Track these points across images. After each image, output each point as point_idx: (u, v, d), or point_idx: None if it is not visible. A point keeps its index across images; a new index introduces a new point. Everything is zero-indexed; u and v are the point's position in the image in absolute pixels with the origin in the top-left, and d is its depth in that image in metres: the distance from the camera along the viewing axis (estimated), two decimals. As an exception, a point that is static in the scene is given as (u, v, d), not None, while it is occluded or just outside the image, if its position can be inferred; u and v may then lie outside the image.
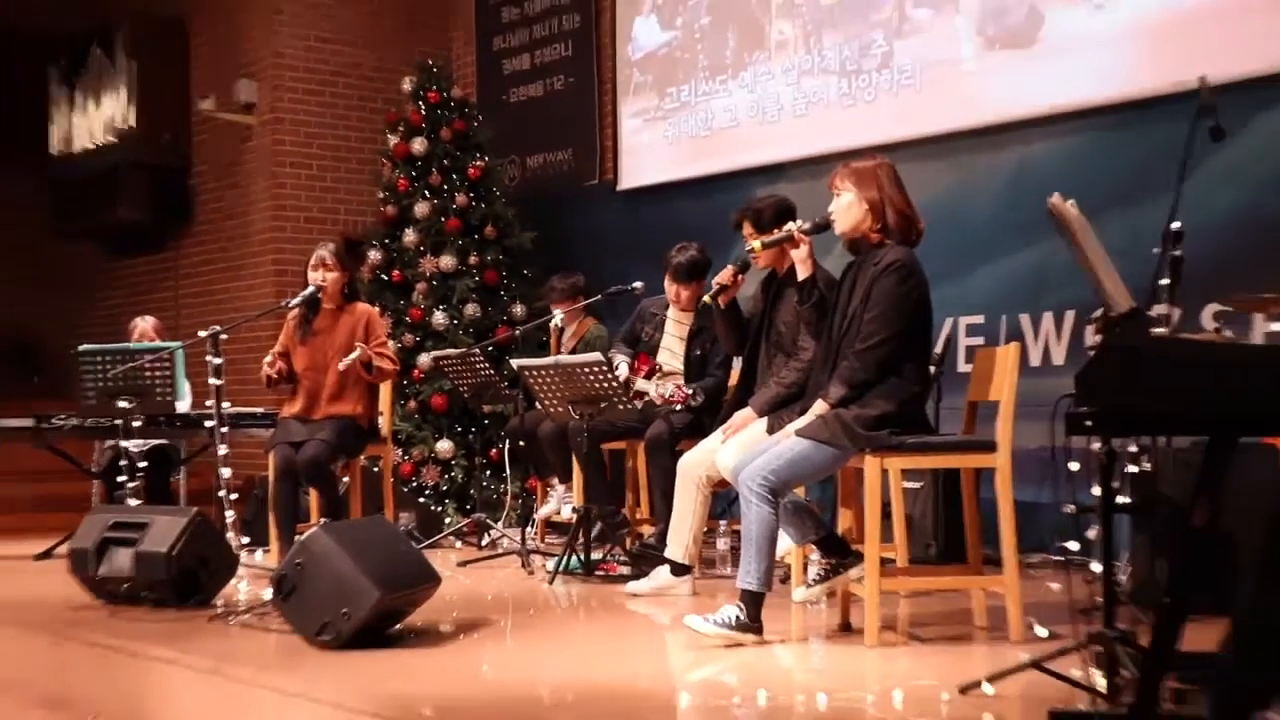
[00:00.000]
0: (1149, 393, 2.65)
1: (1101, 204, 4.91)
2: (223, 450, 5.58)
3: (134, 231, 10.28)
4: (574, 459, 6.19)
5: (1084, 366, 2.73)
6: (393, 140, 8.27)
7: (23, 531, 7.78)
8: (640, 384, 5.94)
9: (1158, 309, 3.82)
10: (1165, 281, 3.88)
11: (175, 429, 6.84)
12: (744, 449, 4.44)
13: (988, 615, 4.32)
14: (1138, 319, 3.26)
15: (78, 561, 4.99)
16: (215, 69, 9.57)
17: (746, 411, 4.92)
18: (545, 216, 8.48)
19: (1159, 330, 3.59)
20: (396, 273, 8.10)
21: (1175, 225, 3.85)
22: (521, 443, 6.71)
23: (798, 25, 7.45)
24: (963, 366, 6.34)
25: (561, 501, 6.76)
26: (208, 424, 5.89)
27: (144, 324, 7.80)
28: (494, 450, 7.66)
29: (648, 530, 6.10)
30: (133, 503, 5.71)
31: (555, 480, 6.76)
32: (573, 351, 6.72)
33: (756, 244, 4.72)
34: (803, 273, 4.49)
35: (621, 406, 5.56)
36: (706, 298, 5.12)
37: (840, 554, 4.30)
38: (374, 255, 8.13)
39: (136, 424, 6.01)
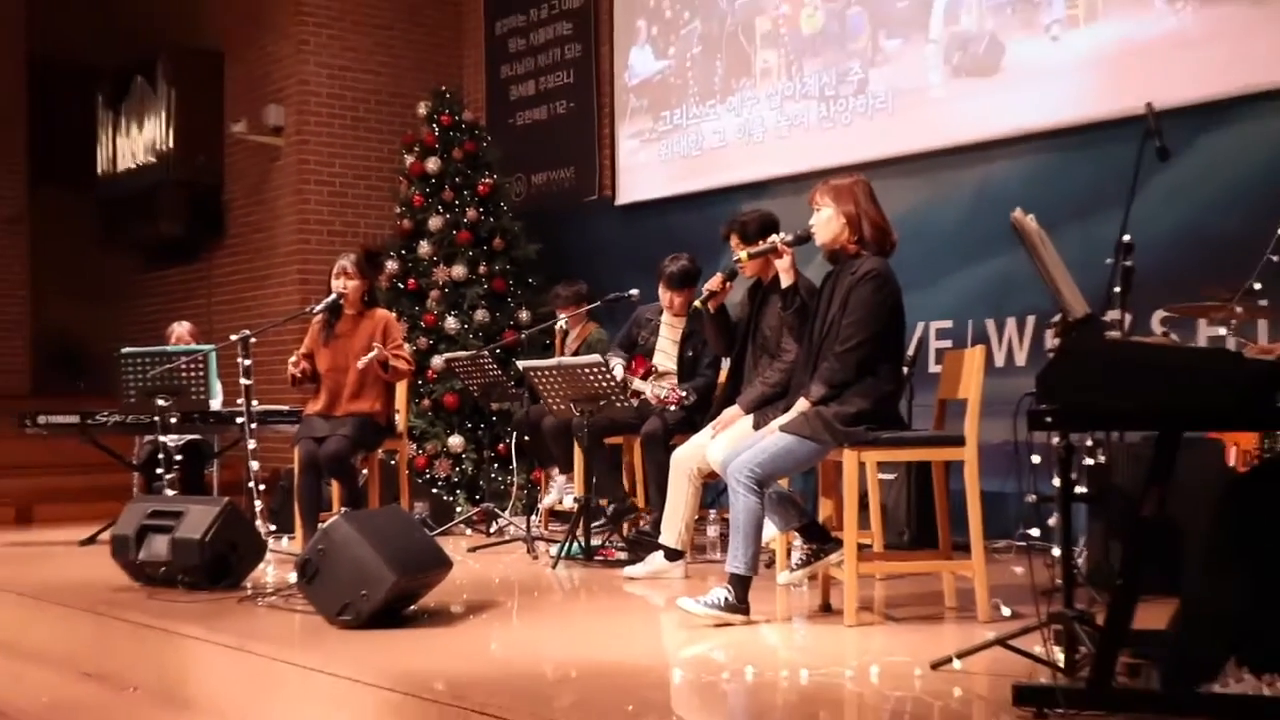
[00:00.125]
0: (1104, 391, 2.65)
1: (1059, 218, 4.89)
2: (252, 445, 5.57)
3: (171, 244, 10.28)
4: (575, 450, 6.17)
5: (1044, 368, 2.72)
6: (409, 160, 8.27)
7: (70, 519, 7.80)
8: (637, 384, 5.93)
9: (1111, 315, 3.81)
10: (1118, 289, 3.89)
11: (208, 425, 6.87)
12: (732, 443, 4.43)
13: (957, 596, 4.31)
14: (1093, 324, 3.25)
15: (119, 547, 4.98)
16: (246, 95, 9.56)
17: (734, 409, 4.90)
18: (549, 229, 8.46)
19: (1112, 334, 3.58)
20: (412, 281, 8.09)
21: (1126, 238, 3.86)
22: (526, 436, 6.70)
23: (781, 55, 7.45)
24: (933, 367, 6.32)
25: (562, 491, 6.74)
26: (238, 420, 5.89)
27: (180, 329, 7.80)
28: (501, 445, 7.66)
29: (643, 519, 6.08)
30: (169, 493, 5.72)
31: (556, 470, 6.74)
32: (576, 353, 6.71)
33: (743, 254, 4.73)
34: (786, 281, 4.49)
35: (619, 404, 5.55)
36: (697, 303, 5.10)
37: (821, 540, 4.28)
38: (391, 265, 8.12)
39: (173, 420, 6.05)
